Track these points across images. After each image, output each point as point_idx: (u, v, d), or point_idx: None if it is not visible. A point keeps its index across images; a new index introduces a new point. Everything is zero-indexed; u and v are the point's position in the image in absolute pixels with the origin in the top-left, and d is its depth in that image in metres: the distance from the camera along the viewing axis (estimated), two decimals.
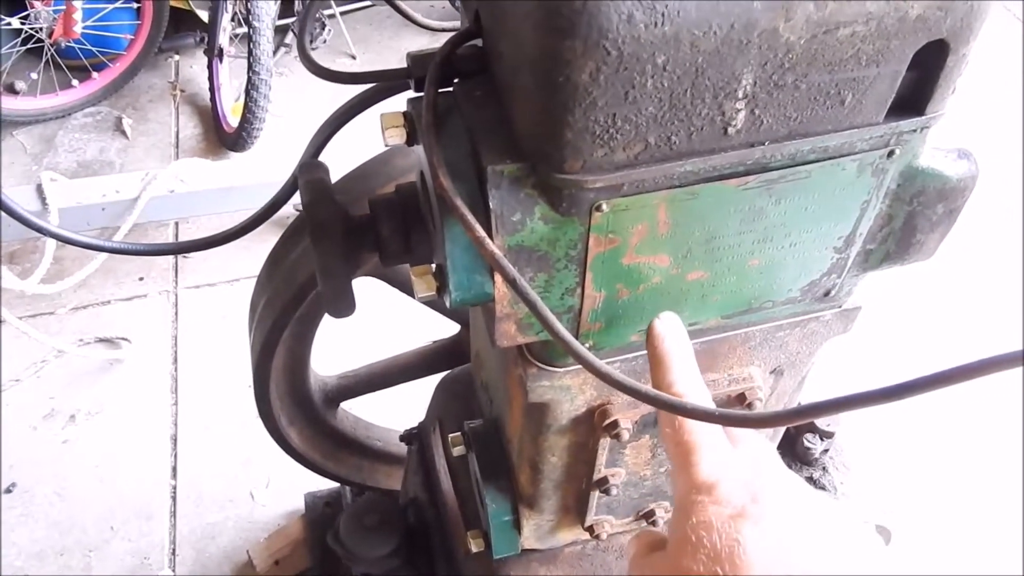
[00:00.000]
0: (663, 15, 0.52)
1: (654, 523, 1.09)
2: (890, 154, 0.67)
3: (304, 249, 1.22)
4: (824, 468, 1.30)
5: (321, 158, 0.94)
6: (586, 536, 1.12)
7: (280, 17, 3.39)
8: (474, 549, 1.14)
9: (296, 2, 3.52)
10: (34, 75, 3.40)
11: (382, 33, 3.92)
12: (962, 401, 2.45)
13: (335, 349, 1.80)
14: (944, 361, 0.49)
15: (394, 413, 1.74)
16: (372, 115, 0.83)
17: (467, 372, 1.30)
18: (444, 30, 1.00)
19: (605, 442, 0.92)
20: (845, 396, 0.53)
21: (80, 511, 2.27)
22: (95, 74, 3.49)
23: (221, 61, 3.37)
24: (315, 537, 1.93)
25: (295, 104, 3.46)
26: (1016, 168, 3.18)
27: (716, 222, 0.69)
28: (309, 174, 0.82)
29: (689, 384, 0.64)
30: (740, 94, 0.58)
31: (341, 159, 1.08)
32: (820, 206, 0.70)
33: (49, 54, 3.38)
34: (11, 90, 3.44)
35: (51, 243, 2.72)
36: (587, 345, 0.77)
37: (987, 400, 2.46)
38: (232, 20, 3.38)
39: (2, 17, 3.26)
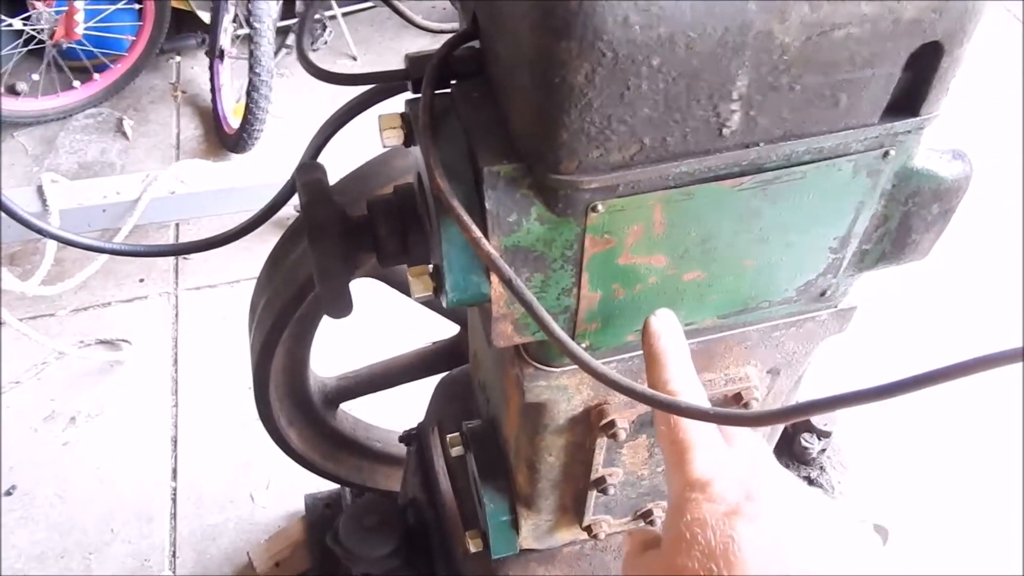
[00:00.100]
0: (658, 17, 0.53)
1: (652, 523, 1.09)
2: (885, 155, 0.68)
3: (304, 250, 1.22)
4: (821, 467, 1.30)
5: (321, 159, 0.94)
6: (584, 536, 1.12)
7: (281, 18, 3.40)
8: (473, 549, 1.14)
9: (297, 3, 3.53)
10: (35, 76, 3.41)
11: (383, 34, 3.93)
12: (960, 400, 2.45)
13: (335, 350, 1.81)
14: (939, 360, 0.50)
15: (393, 414, 1.75)
16: (372, 116, 0.83)
17: (466, 373, 1.30)
18: (444, 31, 1.00)
19: (602, 442, 0.92)
20: (840, 394, 0.53)
21: (80, 513, 2.28)
22: (96, 75, 3.50)
23: (222, 62, 3.37)
24: (315, 538, 1.94)
25: (296, 105, 3.47)
26: (1015, 168, 3.18)
27: (712, 223, 0.69)
28: (307, 175, 0.83)
29: (684, 382, 0.64)
30: (735, 95, 0.59)
31: (341, 160, 1.08)
32: (815, 207, 0.70)
33: (50, 55, 3.39)
34: (12, 91, 3.45)
35: (52, 245, 2.72)
36: (583, 345, 0.78)
37: (985, 399, 2.46)
38: (233, 21, 3.38)
39: (3, 18, 3.27)
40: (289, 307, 1.22)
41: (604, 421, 0.88)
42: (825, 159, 0.66)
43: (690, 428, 0.62)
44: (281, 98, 3.37)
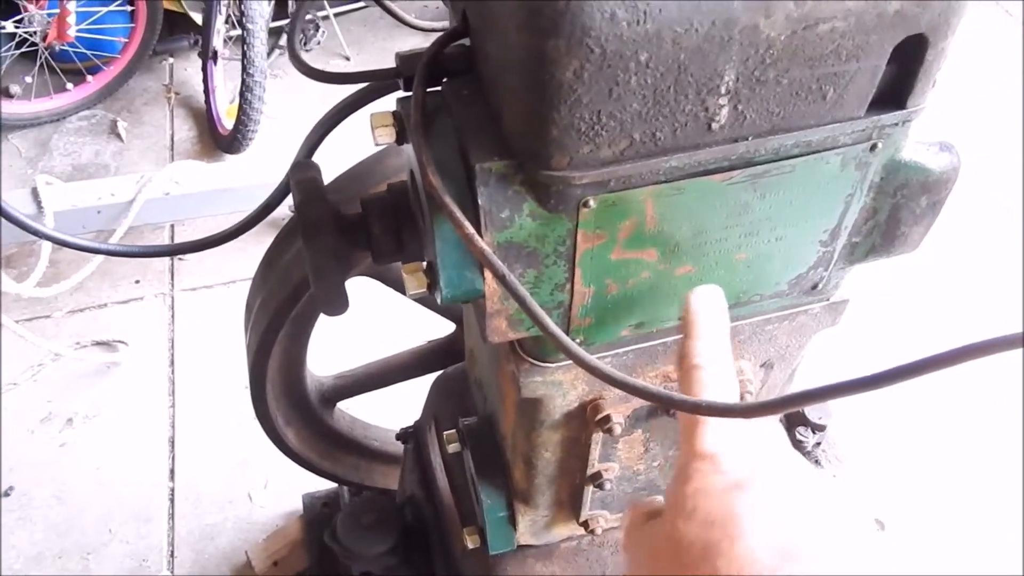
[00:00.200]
0: (645, 13, 0.53)
1: None
2: (873, 148, 0.68)
3: (298, 250, 1.22)
4: (817, 461, 1.31)
5: (314, 159, 0.95)
6: (581, 531, 1.13)
7: (274, 19, 3.40)
8: (470, 546, 1.15)
9: (290, 4, 3.53)
10: (28, 79, 3.41)
11: (376, 34, 3.93)
12: (955, 393, 2.46)
13: (331, 349, 1.81)
14: (932, 350, 0.50)
15: (390, 413, 1.75)
16: (364, 116, 0.84)
17: (462, 370, 1.31)
18: (435, 30, 1.01)
19: (598, 437, 0.93)
20: (832, 384, 0.54)
21: (78, 514, 2.28)
22: (89, 77, 3.49)
23: (215, 63, 3.37)
24: (313, 537, 1.94)
25: (290, 106, 3.47)
26: (1011, 164, 3.19)
27: (702, 217, 0.69)
28: (301, 174, 0.83)
29: (710, 356, 0.64)
30: (723, 90, 0.59)
31: (334, 159, 1.09)
32: (805, 200, 0.71)
33: (43, 57, 3.39)
34: (5, 94, 3.45)
35: (47, 246, 2.72)
36: (577, 340, 0.78)
37: (981, 392, 2.47)
38: (226, 22, 3.38)
39: None
40: (284, 307, 1.23)
41: (599, 416, 0.88)
42: (813, 152, 0.67)
43: (707, 398, 0.62)
44: (274, 99, 3.37)
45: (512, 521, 1.09)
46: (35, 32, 3.33)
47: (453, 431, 1.13)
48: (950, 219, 0.87)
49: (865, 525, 0.60)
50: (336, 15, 3.77)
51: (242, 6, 3.04)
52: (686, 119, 0.61)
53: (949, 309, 2.75)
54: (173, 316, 2.75)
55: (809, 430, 1.29)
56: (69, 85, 3.45)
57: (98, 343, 2.67)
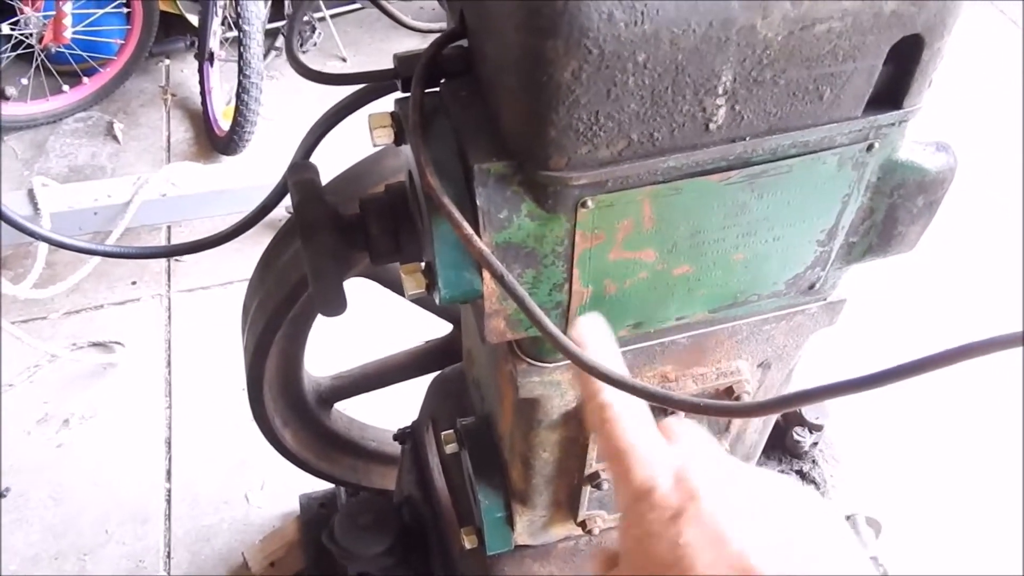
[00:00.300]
0: (643, 14, 0.53)
1: None
2: (869, 148, 0.68)
3: (296, 251, 1.22)
4: (814, 461, 1.31)
5: (312, 159, 0.95)
6: (579, 531, 1.13)
7: (270, 20, 3.39)
8: (468, 546, 1.15)
9: (286, 5, 3.53)
10: (24, 80, 3.40)
11: (373, 35, 3.93)
12: (953, 393, 2.47)
13: (328, 350, 1.81)
14: (928, 350, 0.50)
15: (388, 414, 1.75)
16: (362, 117, 0.84)
17: (459, 371, 1.31)
18: (432, 31, 1.01)
19: (595, 437, 0.93)
20: (829, 384, 0.54)
21: (75, 515, 2.27)
22: (86, 79, 3.49)
23: (212, 65, 3.37)
24: (310, 538, 1.94)
25: (286, 107, 3.47)
26: (1011, 168, 3.20)
27: (700, 217, 0.70)
28: (299, 175, 0.83)
29: (615, 390, 0.62)
30: (720, 90, 0.60)
31: (332, 161, 1.09)
32: (802, 200, 0.71)
33: (39, 59, 3.38)
34: (1, 96, 3.44)
35: (43, 248, 2.72)
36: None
37: (978, 392, 2.48)
38: (222, 24, 3.38)
39: None
40: (282, 308, 1.23)
41: None
42: (810, 152, 0.67)
43: (626, 433, 0.60)
44: (271, 100, 3.37)
45: (510, 521, 1.09)
46: (31, 34, 3.32)
47: (451, 431, 1.13)
48: (947, 219, 0.88)
49: (817, 515, 0.57)
50: (332, 16, 3.77)
51: (238, 8, 3.04)
52: (684, 119, 0.61)
53: (946, 308, 2.76)
54: (170, 317, 2.75)
55: (806, 430, 1.29)
56: (65, 87, 3.45)
57: (94, 344, 2.66)
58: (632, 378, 0.62)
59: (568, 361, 0.80)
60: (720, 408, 0.62)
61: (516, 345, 0.82)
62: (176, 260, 2.90)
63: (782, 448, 1.31)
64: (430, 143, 0.65)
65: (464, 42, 0.71)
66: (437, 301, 0.73)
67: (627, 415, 0.61)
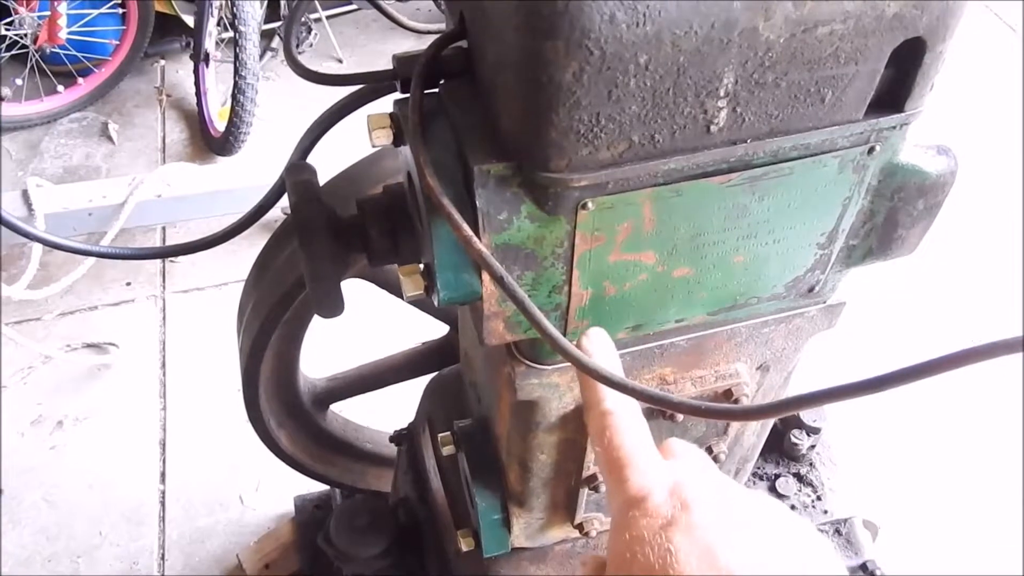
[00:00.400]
0: (644, 15, 0.53)
1: None
2: (870, 151, 0.68)
3: (292, 252, 1.22)
4: (811, 464, 1.31)
5: (309, 160, 0.94)
6: (576, 534, 1.13)
7: (266, 21, 3.39)
8: (464, 548, 1.15)
9: (282, 6, 3.52)
10: (19, 81, 3.39)
11: (369, 37, 3.92)
12: (950, 396, 2.47)
13: (324, 351, 1.81)
14: (927, 355, 0.50)
15: (383, 415, 1.75)
16: (359, 118, 0.83)
17: (456, 372, 1.31)
18: (430, 32, 1.00)
19: (593, 444, 0.92)
20: (827, 388, 0.54)
21: (68, 517, 2.27)
22: (80, 80, 3.48)
23: (207, 65, 3.36)
24: (305, 540, 1.93)
25: (282, 108, 3.46)
26: (1012, 172, 3.21)
27: (701, 219, 0.69)
28: (297, 175, 0.83)
29: (617, 399, 0.64)
30: (722, 92, 0.59)
31: (329, 162, 1.08)
32: (802, 202, 0.71)
33: (34, 60, 3.37)
34: None
35: (37, 249, 2.71)
36: (574, 343, 0.78)
37: (976, 395, 2.48)
38: (218, 24, 3.37)
39: None
40: (278, 309, 1.22)
41: None
42: (811, 155, 0.67)
43: (625, 445, 0.62)
44: (266, 101, 3.37)
45: (507, 523, 1.09)
46: (26, 34, 3.31)
47: (448, 433, 1.12)
48: (947, 222, 0.88)
49: (808, 540, 0.59)
50: (329, 17, 3.77)
51: (234, 8, 3.04)
52: (685, 121, 0.61)
53: (945, 312, 2.76)
54: (164, 318, 2.74)
55: (804, 433, 1.29)
56: (60, 87, 3.44)
57: (89, 346, 2.66)
58: (632, 381, 0.62)
59: (566, 364, 0.80)
60: (719, 411, 0.62)
61: (514, 347, 0.82)
62: (171, 261, 2.90)
63: (780, 451, 1.31)
64: (429, 144, 0.65)
65: (463, 43, 0.71)
66: (436, 303, 0.73)
67: (627, 426, 0.62)
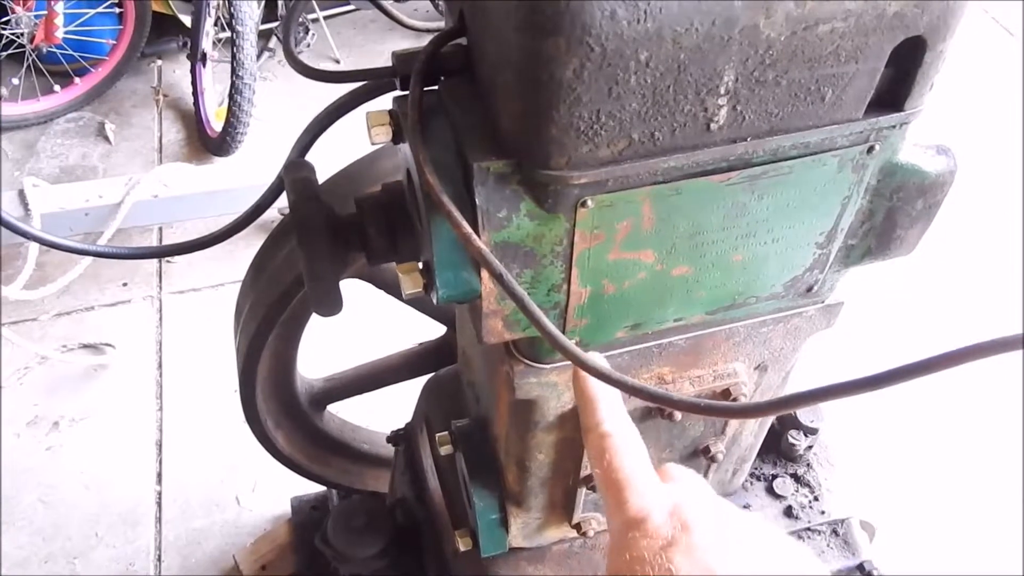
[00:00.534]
0: (645, 12, 0.53)
1: None
2: (870, 150, 0.68)
3: (289, 252, 1.22)
4: (808, 464, 1.31)
5: (307, 159, 0.94)
6: (573, 534, 1.13)
7: (263, 22, 3.39)
8: (462, 548, 1.14)
9: (279, 6, 3.52)
10: (15, 80, 3.39)
11: (366, 37, 3.92)
12: (948, 396, 2.47)
13: (321, 352, 1.80)
14: (924, 354, 0.50)
15: (381, 416, 1.75)
16: (358, 117, 0.83)
17: (453, 372, 1.30)
18: (429, 31, 1.00)
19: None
20: (825, 386, 0.54)
21: (64, 518, 2.26)
22: (77, 79, 3.48)
23: (204, 66, 3.36)
24: (302, 541, 1.93)
25: (279, 108, 3.46)
26: (1008, 175, 3.22)
27: (700, 218, 0.69)
28: (295, 173, 0.83)
29: (617, 423, 0.66)
30: (722, 90, 0.59)
31: (328, 160, 1.08)
32: (802, 201, 0.71)
33: (30, 59, 3.37)
34: None
35: (34, 249, 2.70)
36: (573, 341, 0.78)
37: (973, 395, 2.48)
38: (215, 25, 3.37)
39: None
40: (275, 309, 1.22)
41: None
42: (811, 154, 0.67)
43: (624, 467, 0.63)
44: (263, 101, 3.36)
45: (504, 523, 1.09)
46: (22, 34, 3.31)
47: (446, 433, 1.12)
48: (945, 222, 0.88)
49: (802, 560, 0.61)
50: (326, 18, 3.76)
51: (231, 8, 3.03)
52: (685, 119, 0.61)
53: (943, 312, 2.76)
54: (161, 319, 2.74)
55: (801, 433, 1.29)
56: (56, 87, 3.44)
57: (85, 346, 2.65)
58: (631, 378, 0.62)
59: (565, 362, 0.80)
60: (717, 408, 0.62)
61: (513, 346, 0.82)
62: (167, 262, 2.89)
63: (777, 451, 1.31)
64: (429, 141, 0.65)
65: (463, 40, 0.71)
66: (435, 301, 0.73)
67: (626, 448, 0.64)
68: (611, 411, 0.67)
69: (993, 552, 2.24)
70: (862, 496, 1.32)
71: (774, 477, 1.29)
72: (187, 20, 3.44)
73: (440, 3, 3.16)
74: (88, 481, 2.33)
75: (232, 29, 3.06)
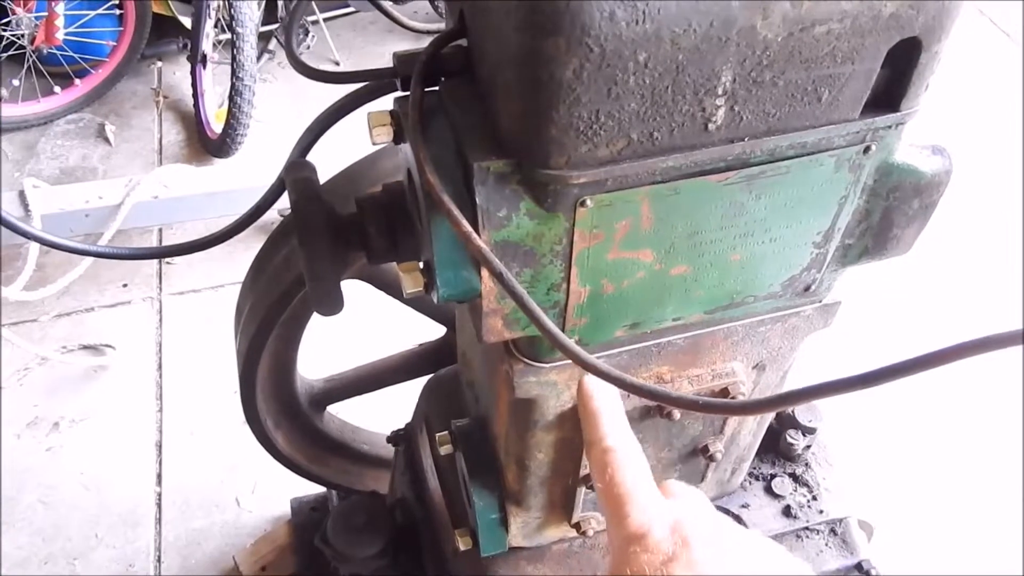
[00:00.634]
0: (644, 13, 0.54)
1: None
2: (866, 150, 0.69)
3: (289, 252, 1.22)
4: (807, 464, 1.31)
5: (308, 159, 0.95)
6: (573, 533, 1.13)
7: (263, 23, 3.39)
8: (462, 547, 1.15)
9: (279, 8, 3.52)
10: (16, 82, 3.39)
11: (366, 39, 3.93)
12: (946, 396, 2.48)
13: (321, 353, 1.81)
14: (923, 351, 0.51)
15: (380, 417, 1.75)
16: (358, 118, 0.84)
17: (453, 373, 1.31)
18: (429, 32, 1.01)
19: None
20: (822, 383, 0.54)
21: (64, 519, 2.26)
22: (77, 81, 3.48)
23: (204, 67, 3.36)
24: (301, 541, 1.93)
25: (279, 110, 3.47)
26: (1006, 176, 3.23)
27: (698, 217, 0.70)
28: (296, 172, 0.83)
29: (619, 437, 0.66)
30: (720, 91, 0.60)
31: (329, 161, 1.09)
32: (799, 201, 0.71)
33: (31, 60, 3.37)
34: None
35: (34, 250, 2.71)
36: (572, 340, 0.78)
37: (971, 395, 2.49)
38: (215, 26, 3.38)
39: None
40: (275, 310, 1.22)
41: None
42: (808, 154, 0.67)
43: (627, 480, 0.63)
44: (263, 103, 3.37)
45: (504, 523, 1.09)
46: (23, 35, 3.31)
47: (445, 432, 1.13)
48: (941, 222, 0.88)
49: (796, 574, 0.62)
50: (326, 20, 3.77)
51: (231, 10, 3.04)
52: (683, 119, 0.61)
53: (941, 312, 2.77)
54: (161, 320, 2.74)
55: (800, 433, 1.29)
56: (57, 88, 3.44)
57: (85, 347, 2.66)
58: (630, 376, 0.62)
59: (564, 361, 0.80)
60: (716, 406, 0.63)
61: (513, 345, 0.82)
62: (167, 263, 2.90)
63: (776, 451, 1.32)
64: (429, 141, 0.65)
65: (463, 41, 0.71)
66: (435, 300, 0.73)
67: (628, 463, 0.65)
68: (614, 425, 0.67)
69: (992, 551, 2.25)
70: (860, 495, 1.33)
71: (772, 477, 1.30)
72: (187, 22, 3.44)
73: (439, 4, 3.17)
74: (88, 482, 2.33)
75: (232, 31, 3.06)
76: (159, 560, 2.20)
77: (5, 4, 3.23)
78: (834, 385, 0.54)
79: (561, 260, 0.70)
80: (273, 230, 1.27)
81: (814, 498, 1.29)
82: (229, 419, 2.37)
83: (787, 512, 1.27)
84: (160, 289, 2.83)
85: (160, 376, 2.58)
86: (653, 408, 0.92)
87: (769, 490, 1.29)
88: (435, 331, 1.57)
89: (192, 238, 1.06)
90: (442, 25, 0.84)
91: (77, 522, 2.26)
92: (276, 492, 2.23)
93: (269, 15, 3.51)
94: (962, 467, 2.40)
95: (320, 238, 0.79)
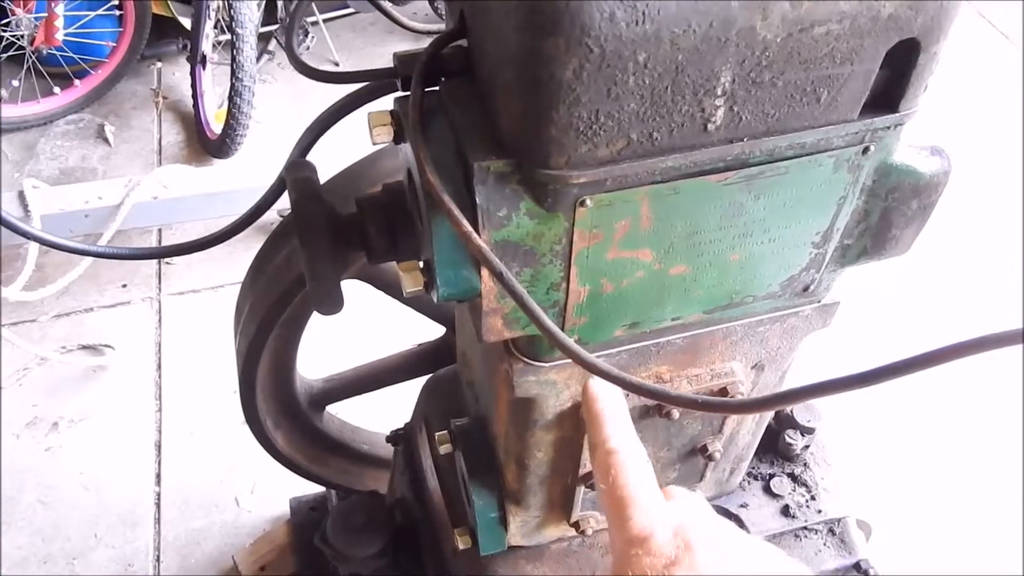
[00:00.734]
0: (644, 13, 0.54)
1: None
2: (865, 150, 0.69)
3: (289, 252, 1.22)
4: (805, 464, 1.32)
5: (308, 159, 0.95)
6: (572, 532, 1.13)
7: (263, 24, 3.40)
8: (461, 546, 1.15)
9: (279, 9, 3.53)
10: (15, 82, 3.39)
11: (365, 40, 3.93)
12: (944, 396, 2.48)
13: (321, 353, 1.81)
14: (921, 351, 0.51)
15: (380, 417, 1.75)
16: (358, 118, 0.84)
17: (453, 372, 1.31)
18: (429, 32, 1.01)
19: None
20: (821, 382, 0.54)
21: (64, 519, 2.26)
22: (77, 81, 3.48)
23: (204, 68, 3.36)
24: (301, 541, 1.93)
25: (278, 111, 3.47)
26: (1005, 177, 3.23)
27: (697, 217, 0.70)
28: (297, 172, 0.83)
29: (623, 440, 0.67)
30: (719, 91, 0.60)
31: (329, 161, 1.09)
32: (798, 201, 0.72)
33: (30, 61, 3.37)
34: None
35: (34, 250, 2.71)
36: (572, 339, 0.78)
37: (970, 395, 2.49)
38: (215, 27, 3.38)
39: None
40: (275, 310, 1.23)
41: None
42: (807, 154, 0.68)
43: (629, 485, 0.64)
44: (263, 104, 3.37)
45: (503, 522, 1.09)
46: (22, 35, 3.31)
47: (445, 432, 1.13)
48: (940, 222, 0.89)
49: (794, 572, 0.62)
50: (326, 21, 3.77)
51: (231, 11, 3.04)
52: (683, 119, 0.61)
53: (939, 312, 2.77)
54: (160, 320, 2.74)
55: (798, 433, 1.30)
56: (56, 89, 3.44)
57: (84, 347, 2.66)
58: (629, 375, 0.62)
59: (564, 360, 0.81)
60: (715, 404, 0.63)
61: (512, 344, 0.82)
62: (167, 263, 2.90)
63: (774, 451, 1.32)
64: (430, 141, 0.66)
65: (463, 42, 0.71)
66: (435, 299, 0.74)
67: (632, 466, 0.65)
68: (618, 428, 0.68)
69: (991, 551, 2.25)
70: (859, 495, 1.33)
71: (771, 476, 1.30)
72: (187, 22, 3.44)
73: (439, 5, 3.18)
74: (87, 482, 2.34)
75: (232, 32, 3.06)
76: (158, 560, 2.20)
77: (5, 5, 3.23)
78: (832, 384, 0.54)
79: (561, 260, 0.70)
80: (273, 230, 1.28)
81: (812, 498, 1.29)
82: (228, 419, 2.37)
83: (786, 512, 1.27)
84: (159, 289, 2.83)
85: (159, 376, 2.59)
86: (652, 407, 0.92)
87: (768, 490, 1.29)
88: (434, 331, 1.57)
89: (191, 238, 1.06)
90: (442, 26, 0.85)
91: (76, 522, 2.26)
92: (275, 492, 2.24)
93: (269, 16, 3.51)
94: (961, 467, 2.40)
95: (320, 238, 0.80)
